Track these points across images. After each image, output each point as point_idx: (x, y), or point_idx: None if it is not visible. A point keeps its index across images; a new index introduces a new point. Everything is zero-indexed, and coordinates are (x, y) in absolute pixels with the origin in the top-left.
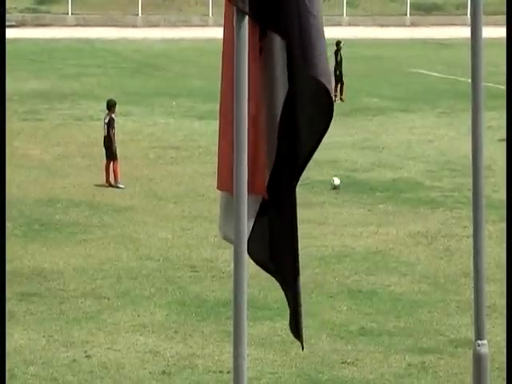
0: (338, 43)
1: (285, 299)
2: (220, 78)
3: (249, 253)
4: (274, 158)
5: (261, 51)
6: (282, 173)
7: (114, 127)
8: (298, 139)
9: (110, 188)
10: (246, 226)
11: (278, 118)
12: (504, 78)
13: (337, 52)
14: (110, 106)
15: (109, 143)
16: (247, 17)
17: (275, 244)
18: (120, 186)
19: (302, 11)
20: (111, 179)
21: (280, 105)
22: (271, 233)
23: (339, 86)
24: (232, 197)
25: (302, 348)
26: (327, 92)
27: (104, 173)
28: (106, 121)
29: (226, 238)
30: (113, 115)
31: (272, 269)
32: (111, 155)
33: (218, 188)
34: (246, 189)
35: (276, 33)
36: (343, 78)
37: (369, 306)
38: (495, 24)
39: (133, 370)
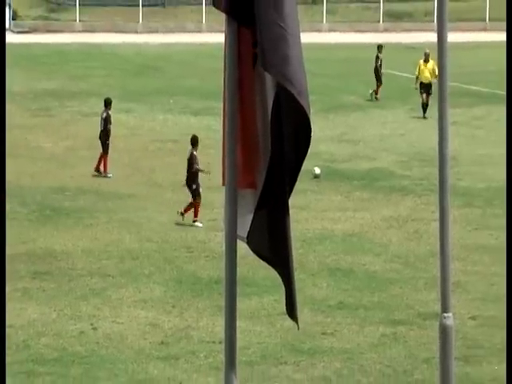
0: (378, 48)
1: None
2: (220, 81)
3: (248, 243)
4: (270, 155)
5: (256, 57)
6: (276, 169)
7: (110, 122)
8: (284, 138)
9: (113, 177)
10: (236, 212)
11: (269, 118)
12: (468, 79)
13: (377, 57)
14: (107, 103)
15: (105, 137)
16: (237, 23)
17: (273, 235)
18: (109, 175)
19: (269, 19)
20: (102, 169)
21: (269, 106)
22: (270, 225)
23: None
24: (237, 192)
25: (298, 328)
26: (292, 95)
27: (100, 163)
28: (104, 117)
29: None
30: (109, 112)
31: (272, 259)
32: (106, 148)
33: (222, 184)
34: (236, 178)
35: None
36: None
37: (346, 282)
38: (459, 29)
39: (134, 341)
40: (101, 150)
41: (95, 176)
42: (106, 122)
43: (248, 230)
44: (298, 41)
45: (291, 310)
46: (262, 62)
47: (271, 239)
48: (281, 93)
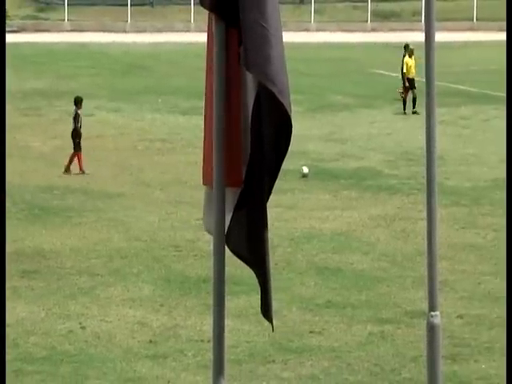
0: (405, 47)
1: None
2: (204, 80)
3: (227, 242)
4: (249, 154)
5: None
6: (255, 168)
7: (79, 121)
8: (264, 137)
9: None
10: (224, 211)
11: (250, 118)
12: (454, 78)
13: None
14: (77, 102)
15: (75, 136)
16: (224, 23)
17: (251, 235)
18: (72, 173)
19: (252, 19)
20: (76, 168)
21: (250, 105)
22: (249, 225)
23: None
24: (224, 191)
25: (273, 329)
26: (272, 94)
27: (81, 162)
28: (73, 115)
29: (209, 232)
30: (79, 111)
31: (249, 259)
32: (78, 146)
33: (203, 183)
34: (223, 180)
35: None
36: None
37: (334, 281)
38: (446, 29)
39: (123, 340)
40: (82, 150)
41: (83, 175)
42: (75, 120)
43: (227, 229)
44: (281, 41)
45: (266, 311)
46: (244, 62)
47: (249, 239)
48: (262, 92)
